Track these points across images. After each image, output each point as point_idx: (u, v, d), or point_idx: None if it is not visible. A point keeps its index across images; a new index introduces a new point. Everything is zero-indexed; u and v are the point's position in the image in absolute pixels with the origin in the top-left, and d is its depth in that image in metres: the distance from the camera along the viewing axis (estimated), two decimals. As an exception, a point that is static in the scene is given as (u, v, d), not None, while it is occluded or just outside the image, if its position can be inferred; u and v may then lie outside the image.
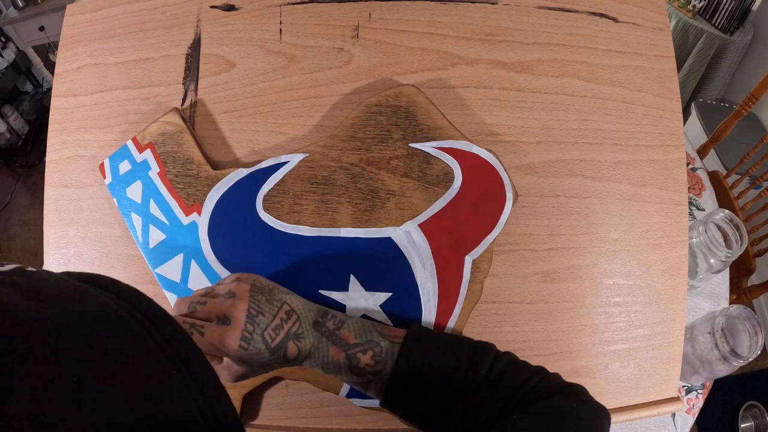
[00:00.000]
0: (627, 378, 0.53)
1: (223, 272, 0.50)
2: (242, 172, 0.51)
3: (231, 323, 0.37)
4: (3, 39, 2.15)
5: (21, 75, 2.30)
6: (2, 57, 2.14)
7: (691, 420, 0.70)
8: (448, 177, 0.50)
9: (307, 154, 0.51)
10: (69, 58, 0.58)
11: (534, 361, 0.42)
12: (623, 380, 0.53)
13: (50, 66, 2.35)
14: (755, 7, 1.77)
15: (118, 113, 0.56)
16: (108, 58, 0.57)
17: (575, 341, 0.51)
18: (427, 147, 0.50)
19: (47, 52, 2.30)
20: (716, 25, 1.76)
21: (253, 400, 0.52)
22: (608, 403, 0.52)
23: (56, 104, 0.57)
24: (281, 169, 0.51)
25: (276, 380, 0.52)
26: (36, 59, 2.31)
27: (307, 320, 0.41)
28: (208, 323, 0.37)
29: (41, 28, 2.10)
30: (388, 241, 0.49)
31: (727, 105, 1.83)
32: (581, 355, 0.51)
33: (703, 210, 0.90)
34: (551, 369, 0.41)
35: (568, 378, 0.41)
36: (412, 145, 0.50)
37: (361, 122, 0.50)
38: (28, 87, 2.48)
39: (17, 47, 2.22)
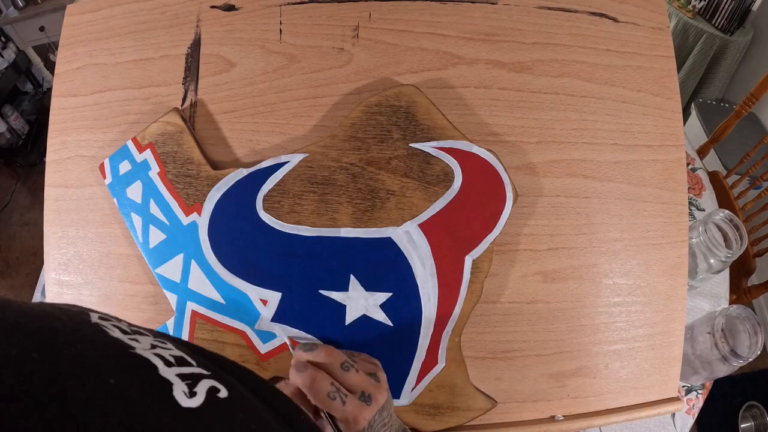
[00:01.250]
0: (627, 378, 0.53)
1: (223, 272, 0.50)
2: (242, 172, 0.51)
3: (371, 404, 0.39)
4: (3, 39, 2.15)
5: (21, 75, 2.30)
6: (2, 57, 2.14)
7: (690, 420, 0.70)
8: (448, 177, 0.50)
9: (307, 154, 0.51)
10: (69, 58, 0.58)
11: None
12: (623, 380, 0.53)
13: (50, 66, 2.35)
14: (755, 7, 1.77)
15: (118, 113, 0.56)
16: (108, 58, 0.57)
17: (575, 341, 0.51)
18: (427, 147, 0.50)
19: (47, 52, 2.30)
20: (716, 25, 1.76)
21: (253, 400, 0.52)
22: (608, 403, 0.52)
23: (56, 104, 0.57)
24: (281, 169, 0.51)
25: (276, 380, 0.52)
26: (36, 59, 2.32)
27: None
28: (351, 395, 0.39)
29: (41, 28, 2.10)
30: (388, 241, 0.49)
31: (727, 105, 1.83)
32: (581, 355, 0.51)
33: (703, 210, 0.90)
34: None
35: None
36: (412, 145, 0.50)
37: (361, 122, 0.50)
38: (28, 87, 2.48)
39: (17, 47, 2.22)
